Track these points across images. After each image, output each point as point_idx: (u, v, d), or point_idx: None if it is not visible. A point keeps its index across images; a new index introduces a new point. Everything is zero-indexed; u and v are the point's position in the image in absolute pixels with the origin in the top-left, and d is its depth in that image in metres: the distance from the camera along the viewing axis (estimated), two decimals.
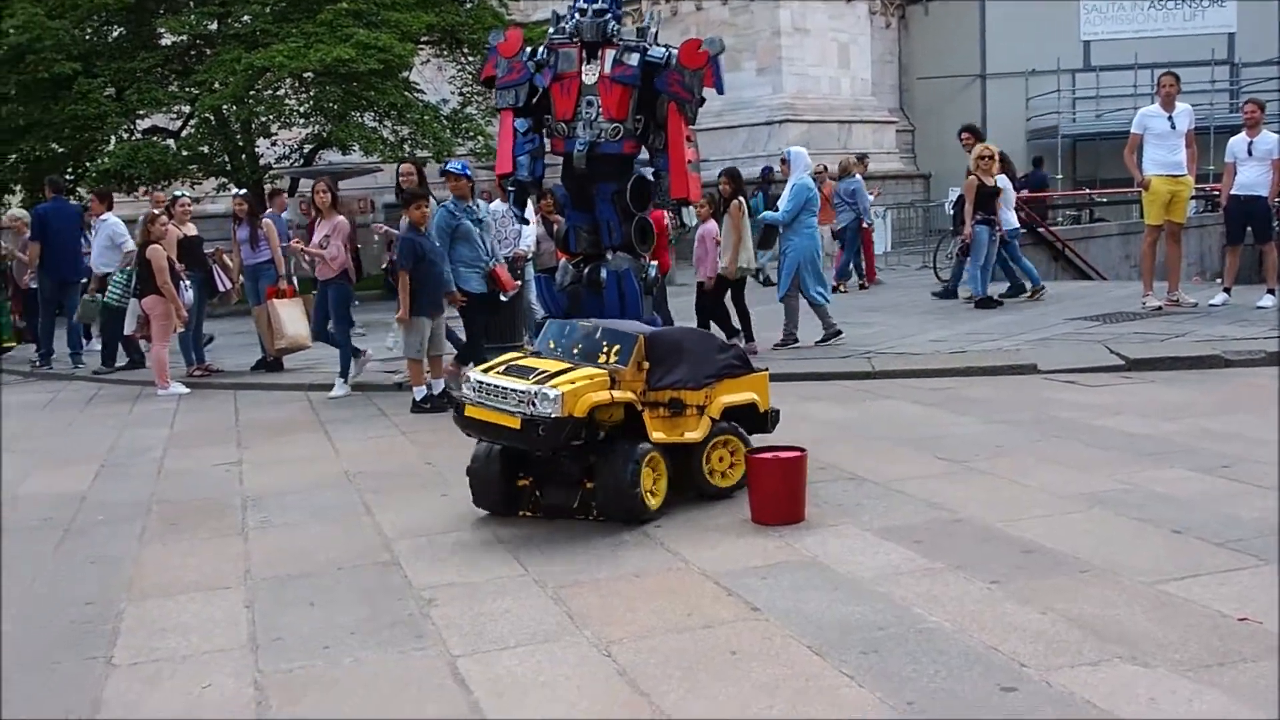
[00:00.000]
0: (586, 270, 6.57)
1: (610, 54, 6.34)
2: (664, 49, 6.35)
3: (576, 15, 6.39)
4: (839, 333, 10.16)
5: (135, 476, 6.81)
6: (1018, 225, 13.12)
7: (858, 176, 15.83)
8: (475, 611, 4.03)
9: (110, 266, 11.62)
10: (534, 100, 6.50)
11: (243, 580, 4.60)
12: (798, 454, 4.96)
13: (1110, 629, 3.55)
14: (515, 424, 4.76)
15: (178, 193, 12.76)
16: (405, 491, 5.95)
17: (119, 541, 5.33)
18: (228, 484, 6.45)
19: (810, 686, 3.24)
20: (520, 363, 5.17)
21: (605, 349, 5.14)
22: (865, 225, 15.43)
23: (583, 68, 6.39)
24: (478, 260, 8.53)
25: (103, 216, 11.84)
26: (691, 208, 6.81)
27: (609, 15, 6.36)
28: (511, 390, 4.86)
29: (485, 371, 5.15)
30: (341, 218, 9.54)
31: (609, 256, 6.53)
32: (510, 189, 6.81)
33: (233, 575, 4.68)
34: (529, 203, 7.69)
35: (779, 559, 4.41)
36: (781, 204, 10.21)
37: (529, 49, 6.52)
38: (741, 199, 10.09)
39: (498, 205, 9.47)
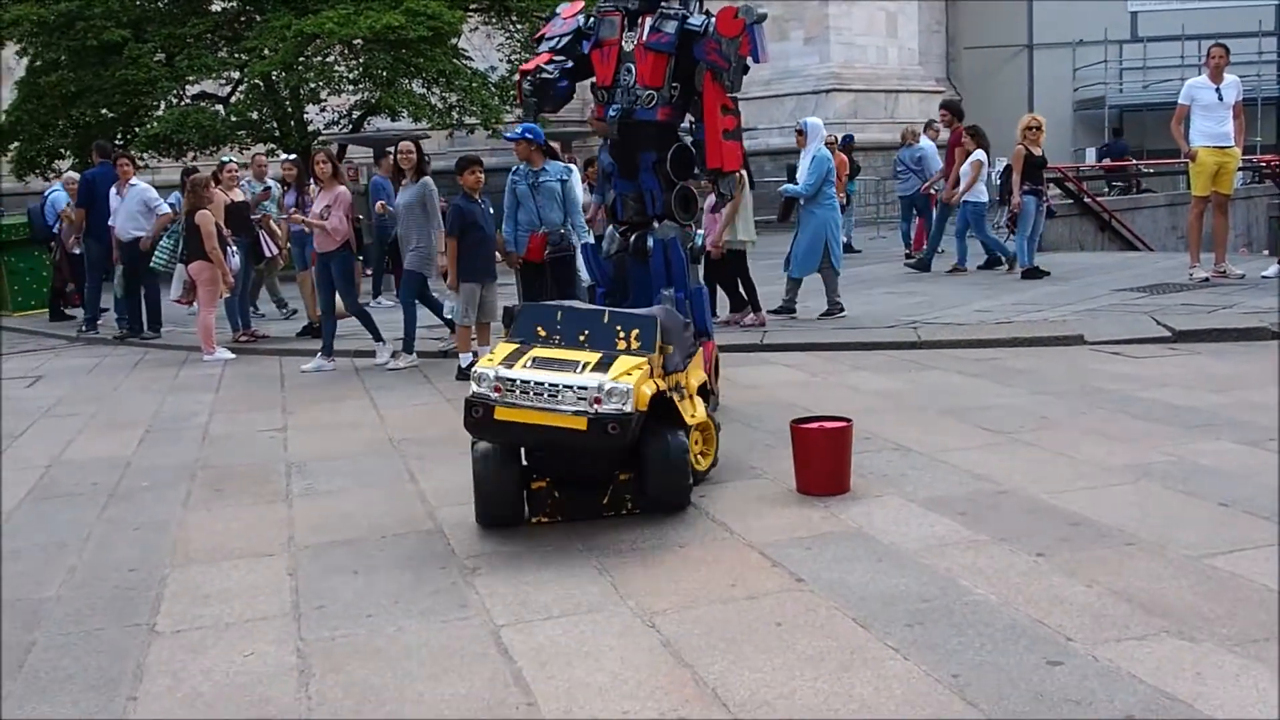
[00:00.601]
0: (634, 238, 6.53)
1: (649, 21, 6.29)
2: (704, 17, 6.27)
3: None
4: (842, 310, 10.02)
5: (180, 442, 6.82)
6: (985, 200, 12.96)
7: (925, 142, 15.58)
8: (519, 580, 4.00)
9: (139, 232, 11.39)
10: (574, 67, 6.49)
11: (286, 547, 4.60)
12: (843, 424, 4.89)
13: (1157, 603, 3.48)
14: (580, 424, 4.24)
15: (225, 158, 12.81)
16: (450, 458, 5.88)
17: (164, 507, 5.33)
18: (272, 450, 6.46)
19: (855, 659, 3.19)
20: (546, 355, 4.54)
21: (622, 335, 4.69)
22: (933, 192, 15.16)
23: (623, 35, 6.34)
24: (531, 225, 8.47)
25: (132, 181, 11.80)
26: (733, 176, 6.70)
27: None
28: (567, 386, 4.32)
29: (509, 366, 4.47)
30: (342, 188, 9.40)
31: (655, 225, 6.47)
32: (528, 89, 6.66)
33: (276, 542, 4.67)
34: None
35: (824, 530, 4.36)
36: (801, 176, 10.06)
37: (582, 18, 6.54)
38: (745, 172, 9.78)
39: None
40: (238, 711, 3.14)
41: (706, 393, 5.66)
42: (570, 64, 6.55)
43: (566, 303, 5.25)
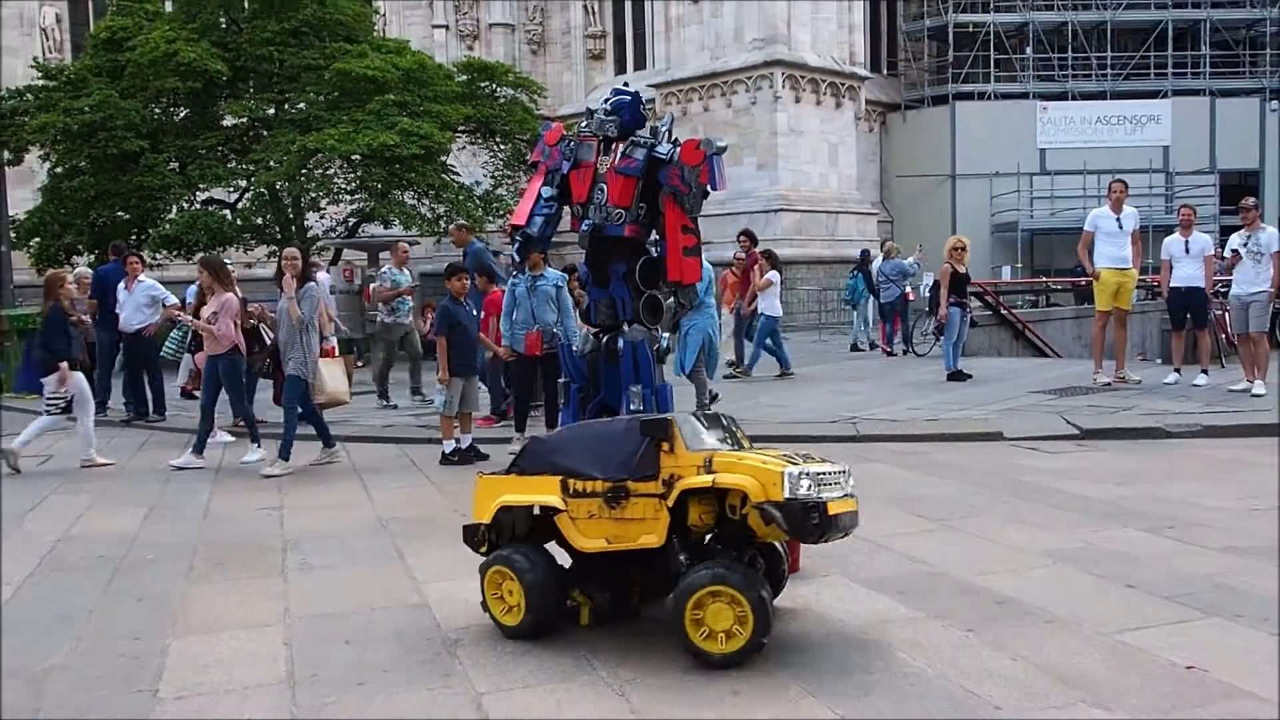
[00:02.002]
0: (605, 340, 6.62)
1: (621, 148, 6.47)
2: (670, 146, 6.44)
3: (597, 114, 6.56)
4: (717, 398, 10.19)
5: (183, 519, 6.70)
6: (779, 314, 13.66)
7: (910, 260, 16.85)
8: (499, 651, 3.95)
9: (143, 323, 11.44)
10: (558, 194, 6.66)
11: (282, 619, 4.51)
12: None
13: (1074, 675, 3.50)
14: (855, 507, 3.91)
15: (226, 261, 12.81)
16: (435, 537, 5.87)
17: (166, 580, 5.21)
18: (269, 527, 6.36)
19: None
20: (767, 451, 4.00)
21: (739, 432, 4.29)
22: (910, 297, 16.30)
23: (599, 159, 6.51)
24: (526, 324, 8.54)
25: (140, 278, 11.77)
26: (693, 287, 6.81)
27: (620, 114, 6.51)
28: (836, 474, 3.95)
29: (792, 463, 3.80)
30: (229, 295, 8.87)
31: (625, 329, 6.56)
32: (518, 239, 6.84)
33: (273, 614, 4.58)
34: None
35: (777, 606, 4.31)
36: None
37: (566, 141, 6.69)
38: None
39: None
40: None
41: None
42: (554, 206, 6.70)
43: (704, 412, 4.45)
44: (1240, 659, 3.61)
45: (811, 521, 3.62)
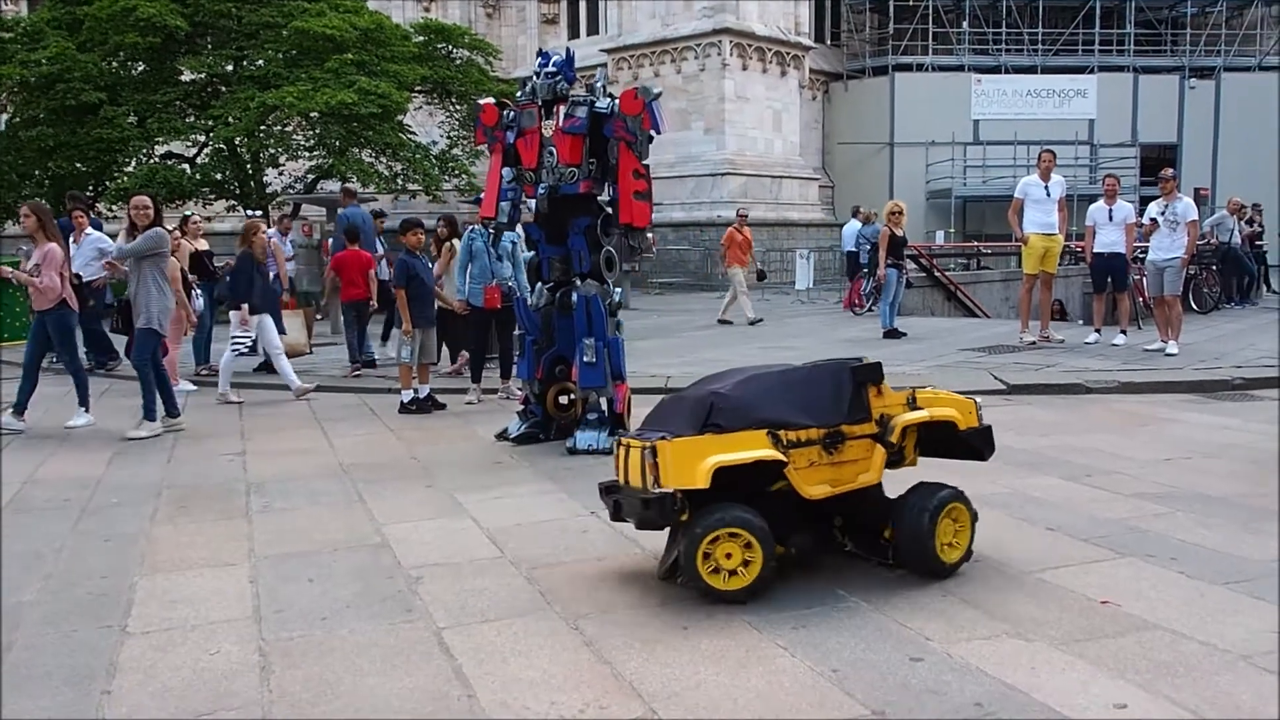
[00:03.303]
0: (559, 294, 6.62)
1: (563, 109, 6.46)
2: (609, 99, 6.48)
3: (534, 78, 6.53)
4: None
5: (146, 464, 6.60)
6: None
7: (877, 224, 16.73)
8: (458, 589, 3.96)
9: (95, 276, 10.83)
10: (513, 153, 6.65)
11: (247, 558, 4.48)
12: None
13: (999, 610, 3.60)
14: None
15: (188, 212, 12.51)
16: (394, 482, 5.85)
17: (132, 521, 5.14)
18: (232, 472, 6.29)
19: (751, 656, 3.24)
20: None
21: None
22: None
23: (542, 123, 6.48)
24: (484, 278, 8.46)
25: (86, 231, 11.37)
26: (644, 231, 6.82)
27: (559, 77, 6.50)
28: None
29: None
30: (52, 245, 7.72)
31: (577, 283, 6.55)
32: (490, 230, 6.91)
33: (238, 553, 4.55)
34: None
35: None
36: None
37: (505, 116, 6.71)
38: (454, 241, 9.52)
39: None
40: (205, 702, 3.06)
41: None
42: (517, 188, 6.66)
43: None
44: (1152, 595, 3.73)
45: (992, 441, 4.24)
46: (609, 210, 6.57)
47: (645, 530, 3.99)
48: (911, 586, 3.85)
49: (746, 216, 16.31)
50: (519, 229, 7.71)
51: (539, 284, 6.82)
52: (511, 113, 6.70)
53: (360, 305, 10.31)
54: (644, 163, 6.46)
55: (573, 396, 6.80)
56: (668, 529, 3.89)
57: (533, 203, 6.72)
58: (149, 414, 7.66)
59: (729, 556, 3.64)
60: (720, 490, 3.63)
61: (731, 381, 3.95)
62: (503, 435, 6.87)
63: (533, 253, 6.94)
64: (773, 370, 4.17)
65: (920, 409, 4.07)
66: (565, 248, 6.61)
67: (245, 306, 9.01)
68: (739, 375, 4.06)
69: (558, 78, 6.49)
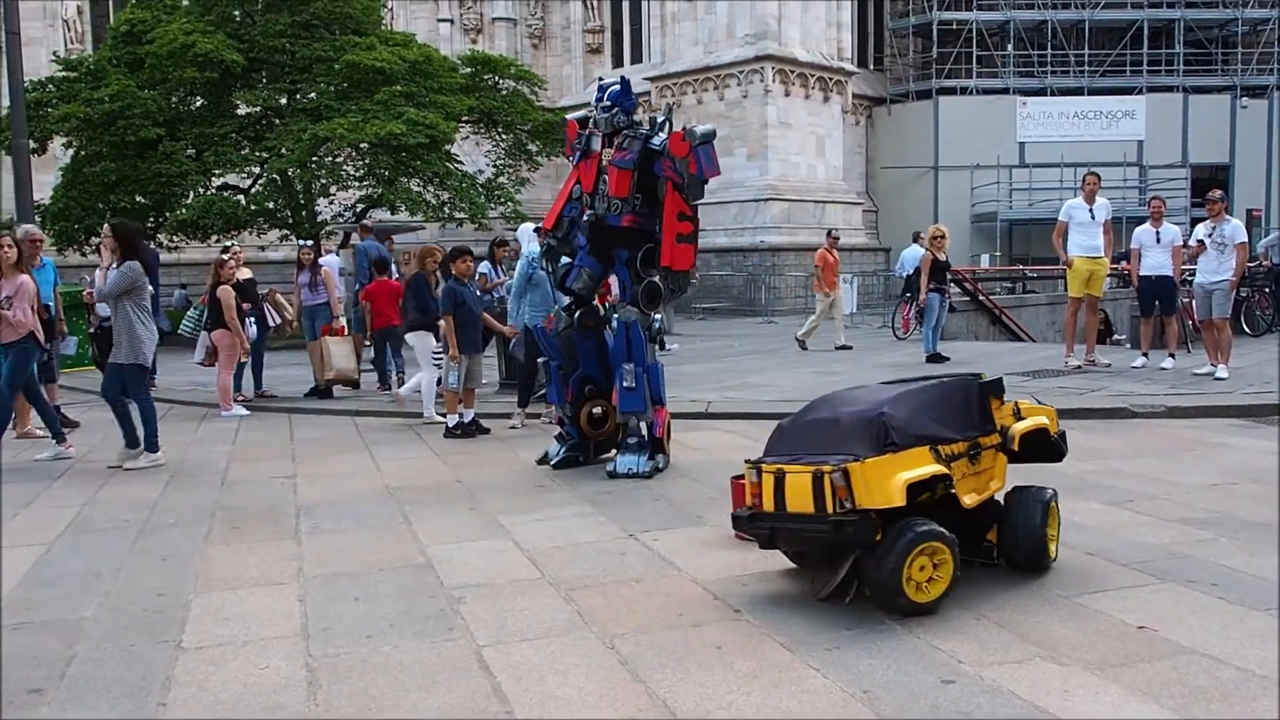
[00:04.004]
0: (579, 314, 6.68)
1: (618, 142, 6.52)
2: (663, 137, 6.44)
3: (594, 110, 6.60)
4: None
5: (202, 486, 6.79)
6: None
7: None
8: (498, 608, 4.05)
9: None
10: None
11: (296, 577, 4.60)
12: None
13: (1033, 633, 3.60)
14: None
15: (229, 243, 12.79)
16: (438, 504, 5.96)
17: (187, 542, 5.30)
18: (283, 494, 6.45)
19: (783, 677, 3.28)
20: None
21: None
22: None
23: (603, 150, 6.56)
24: (546, 305, 8.52)
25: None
26: (684, 274, 6.76)
27: (616, 109, 6.56)
28: None
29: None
30: (25, 278, 7.61)
31: (616, 310, 6.65)
32: (547, 244, 6.91)
33: (287, 573, 4.67)
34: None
35: (758, 569, 4.44)
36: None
37: (580, 135, 6.77)
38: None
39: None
40: (255, 715, 3.16)
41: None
42: (579, 207, 6.72)
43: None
44: (1190, 621, 3.70)
45: (1066, 443, 4.57)
46: (654, 244, 6.59)
47: (802, 559, 4.20)
48: (947, 609, 3.86)
49: (838, 239, 15.82)
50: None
51: (556, 307, 6.83)
52: (584, 134, 6.78)
53: (390, 332, 10.55)
54: (692, 204, 6.43)
55: (604, 410, 6.87)
56: (793, 553, 4.16)
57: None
58: (150, 445, 7.60)
59: (922, 569, 3.75)
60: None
61: (884, 399, 4.01)
62: (544, 460, 6.94)
63: (564, 260, 6.90)
64: (910, 387, 4.26)
65: (1024, 419, 4.34)
66: (603, 267, 6.71)
67: (443, 322, 8.77)
68: (883, 393, 4.16)
69: (614, 110, 6.57)
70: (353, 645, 3.71)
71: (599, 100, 6.64)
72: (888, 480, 3.69)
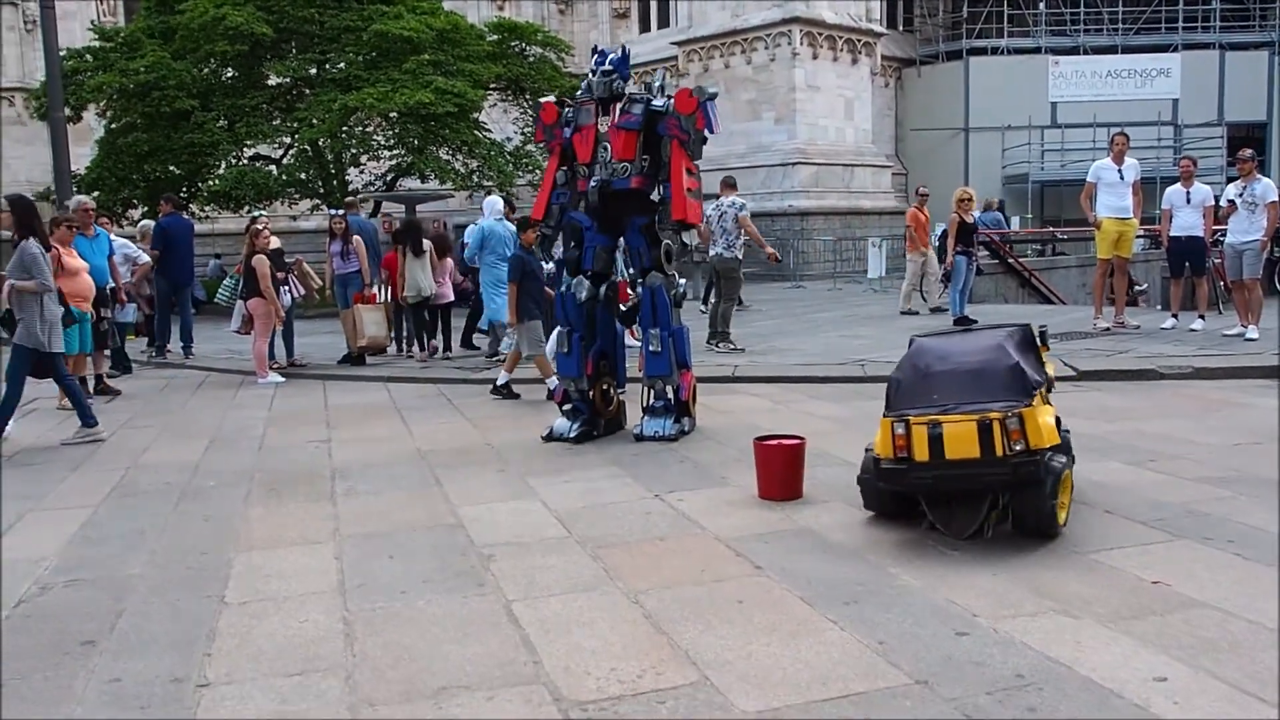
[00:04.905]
0: (604, 287, 6.75)
1: (619, 106, 6.58)
2: (665, 99, 6.60)
3: (590, 76, 6.64)
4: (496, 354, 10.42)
5: (240, 450, 6.96)
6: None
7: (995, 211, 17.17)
8: (527, 565, 4.16)
9: (124, 278, 10.91)
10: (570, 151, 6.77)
11: (332, 537, 4.73)
12: (798, 442, 5.07)
13: (1048, 588, 3.67)
14: None
15: (258, 213, 12.92)
16: (469, 467, 6.08)
17: (228, 503, 5.45)
18: (319, 458, 6.60)
19: (801, 629, 3.37)
20: None
21: None
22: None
23: (598, 120, 6.61)
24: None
25: (112, 237, 11.12)
26: (695, 227, 6.95)
27: (615, 75, 6.61)
28: None
29: None
30: None
31: (632, 277, 6.70)
32: (541, 233, 6.97)
33: (324, 532, 4.81)
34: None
35: (780, 528, 4.53)
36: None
37: (563, 114, 6.80)
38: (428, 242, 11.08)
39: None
40: (295, 664, 3.30)
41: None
42: (567, 193, 6.80)
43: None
44: (1204, 576, 3.75)
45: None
46: (661, 207, 6.70)
47: (935, 507, 4.24)
48: (964, 566, 3.94)
49: (928, 196, 15.29)
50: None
51: (579, 277, 6.75)
52: (570, 110, 6.83)
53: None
54: (696, 162, 6.57)
55: (610, 388, 6.90)
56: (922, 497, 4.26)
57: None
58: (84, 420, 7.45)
59: (1062, 497, 4.22)
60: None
61: (998, 347, 4.41)
62: (549, 436, 6.75)
63: (571, 244, 6.95)
64: (1000, 334, 4.63)
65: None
66: (613, 240, 6.76)
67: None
68: (990, 339, 4.53)
69: (614, 75, 6.62)
70: (387, 600, 3.84)
71: (599, 64, 6.67)
72: (1047, 421, 4.16)
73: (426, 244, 11.17)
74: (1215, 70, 29.93)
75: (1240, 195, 10.16)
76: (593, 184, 6.56)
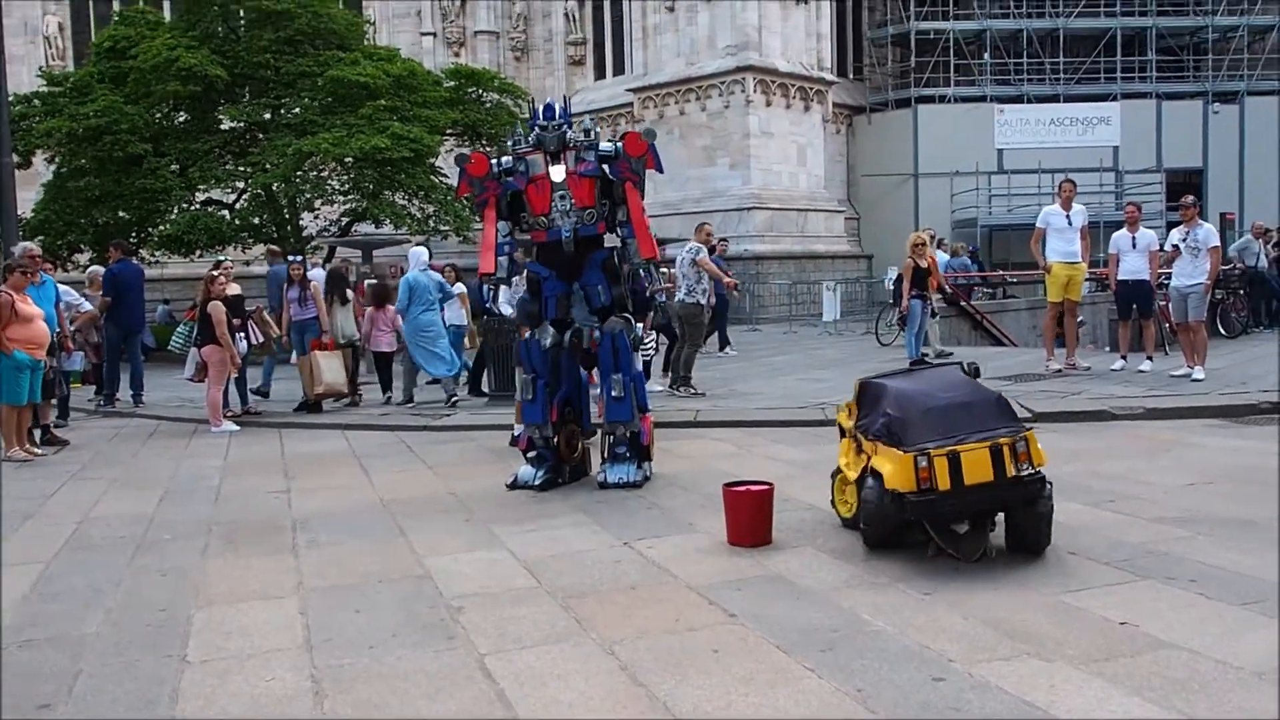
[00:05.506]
0: (568, 334, 6.76)
1: (571, 155, 6.66)
2: (610, 143, 6.71)
3: (537, 129, 6.69)
4: (410, 400, 11.11)
5: (196, 501, 6.81)
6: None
7: (964, 256, 17.94)
8: (497, 617, 4.11)
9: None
10: (507, 203, 6.77)
11: (296, 590, 4.64)
12: (766, 488, 5.09)
13: (1019, 631, 3.70)
14: None
15: (220, 258, 12.80)
16: (433, 517, 6.01)
17: (185, 556, 5.32)
18: (278, 508, 6.48)
19: (779, 678, 3.36)
20: None
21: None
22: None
23: (550, 169, 6.67)
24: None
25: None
26: (654, 266, 7.03)
27: (563, 125, 6.68)
28: None
29: None
30: None
31: (595, 320, 6.72)
32: (489, 288, 6.89)
33: (287, 586, 4.71)
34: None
35: (751, 574, 4.53)
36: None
37: (494, 166, 6.77)
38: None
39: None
40: None
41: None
42: (512, 241, 6.83)
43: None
44: (1169, 616, 3.81)
45: None
46: (618, 247, 6.81)
47: (944, 533, 4.59)
48: (935, 609, 3.96)
49: (934, 235, 15.32)
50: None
51: (544, 324, 6.74)
52: (507, 161, 6.84)
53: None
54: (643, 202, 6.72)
55: (575, 434, 6.88)
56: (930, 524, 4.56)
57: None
58: None
59: None
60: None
61: (961, 381, 4.87)
62: (514, 484, 6.69)
63: (526, 294, 6.98)
64: (939, 370, 5.19)
65: None
66: (569, 286, 6.79)
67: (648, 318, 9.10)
68: (955, 375, 4.96)
69: (562, 128, 6.72)
70: (356, 656, 3.76)
71: (550, 117, 6.73)
72: (1037, 446, 4.54)
73: (350, 294, 11.60)
74: (1153, 118, 30.91)
75: (1184, 240, 10.48)
76: (565, 234, 6.58)
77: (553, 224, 6.65)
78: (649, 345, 9.71)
